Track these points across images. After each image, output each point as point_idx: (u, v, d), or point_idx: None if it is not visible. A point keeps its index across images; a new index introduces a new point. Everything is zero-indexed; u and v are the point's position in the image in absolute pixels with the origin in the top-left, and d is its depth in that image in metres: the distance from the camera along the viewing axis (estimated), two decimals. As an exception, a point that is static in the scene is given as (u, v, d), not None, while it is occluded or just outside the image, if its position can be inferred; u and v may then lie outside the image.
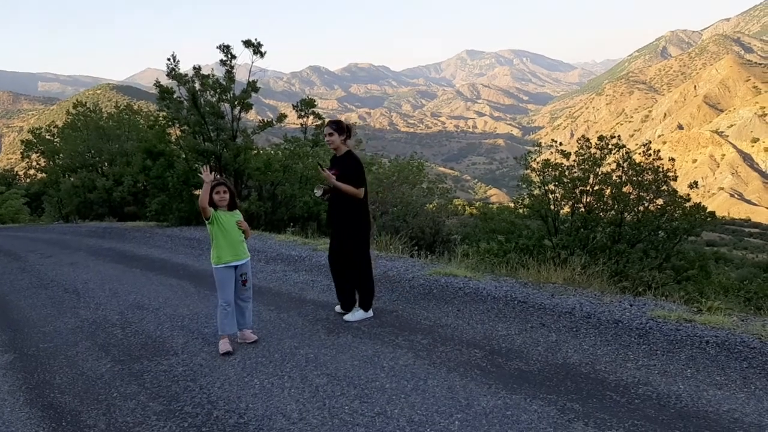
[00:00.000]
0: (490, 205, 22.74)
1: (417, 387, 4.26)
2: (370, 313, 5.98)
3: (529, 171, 15.04)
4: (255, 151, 16.91)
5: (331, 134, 5.74)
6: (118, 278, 9.51)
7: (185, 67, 17.23)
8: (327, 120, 6.20)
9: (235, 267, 5.39)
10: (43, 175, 31.00)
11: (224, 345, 5.35)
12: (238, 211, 5.52)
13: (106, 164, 25.56)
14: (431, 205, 17.39)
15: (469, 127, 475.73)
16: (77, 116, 26.91)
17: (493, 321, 5.67)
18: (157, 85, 17.34)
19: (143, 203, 22.72)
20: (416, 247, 11.36)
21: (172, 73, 16.74)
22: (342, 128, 5.76)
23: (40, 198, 34.78)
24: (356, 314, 5.95)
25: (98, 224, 20.18)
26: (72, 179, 25.75)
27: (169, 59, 16.89)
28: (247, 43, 16.40)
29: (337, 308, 6.27)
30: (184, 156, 17.66)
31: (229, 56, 16.51)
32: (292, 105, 17.68)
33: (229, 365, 5.04)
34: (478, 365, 4.60)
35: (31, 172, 33.73)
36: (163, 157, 16.80)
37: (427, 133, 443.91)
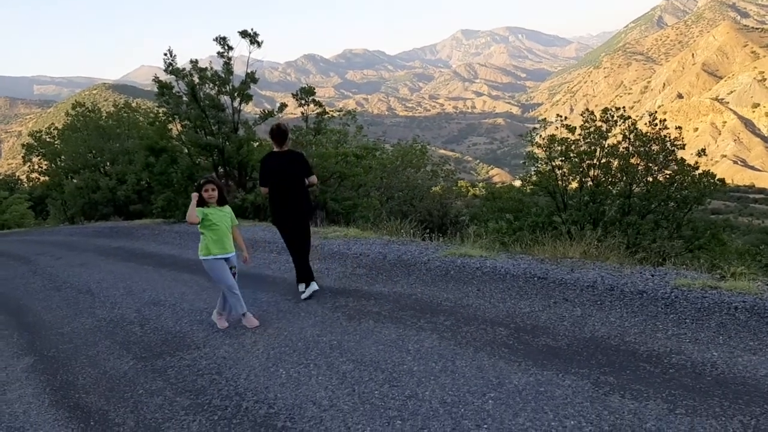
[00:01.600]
0: (495, 185, 22.64)
1: (445, 368, 4.22)
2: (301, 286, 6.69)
3: (534, 147, 14.90)
4: (257, 143, 16.81)
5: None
6: (131, 276, 9.48)
7: (181, 62, 17.07)
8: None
9: (225, 259, 5.72)
10: (46, 178, 30.97)
11: (221, 321, 5.93)
12: (228, 207, 5.84)
13: (108, 164, 25.47)
14: (437, 188, 17.29)
15: (468, 108, 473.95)
16: (76, 117, 26.79)
17: (515, 299, 5.61)
18: (156, 80, 17.22)
19: (148, 201, 22.68)
20: (427, 231, 11.30)
21: (170, 68, 16.61)
22: (270, 136, 6.66)
23: (44, 201, 34.77)
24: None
25: (104, 224, 20.15)
26: (75, 180, 25.69)
27: (165, 54, 16.76)
28: (244, 34, 16.26)
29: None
30: (186, 151, 17.58)
31: (226, 48, 16.37)
32: (292, 94, 17.53)
33: (253, 356, 5.00)
34: (505, 343, 4.55)
35: (34, 175, 33.68)
36: (166, 153, 16.72)
37: (426, 116, 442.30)
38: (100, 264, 11.28)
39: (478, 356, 4.36)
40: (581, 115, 16.62)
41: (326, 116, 17.64)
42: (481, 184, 42.43)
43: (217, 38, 16.28)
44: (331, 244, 9.29)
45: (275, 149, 6.58)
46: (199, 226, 5.60)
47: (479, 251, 7.31)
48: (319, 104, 17.46)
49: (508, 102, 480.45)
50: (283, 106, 17.01)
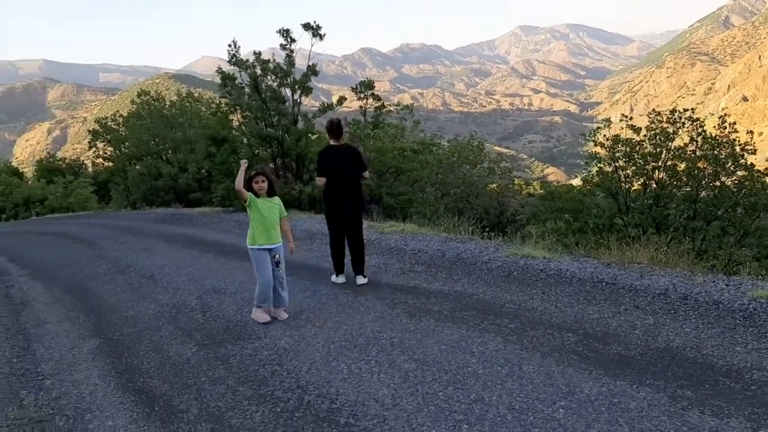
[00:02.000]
0: (552, 184, 22.16)
1: (512, 373, 4.11)
2: (334, 278, 7.14)
3: (597, 147, 14.48)
4: (316, 135, 16.91)
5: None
6: (193, 263, 9.65)
7: (242, 54, 17.29)
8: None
9: (269, 249, 5.80)
10: (110, 163, 31.95)
11: (261, 315, 5.88)
12: (277, 198, 5.93)
13: (170, 152, 26.12)
14: (494, 185, 17.05)
15: (525, 105, 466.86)
16: (141, 105, 27.57)
17: (583, 304, 5.44)
18: (219, 71, 17.51)
19: (208, 189, 23.14)
20: (486, 229, 11.13)
21: (234, 59, 16.85)
22: (327, 129, 6.94)
23: (107, 186, 35.90)
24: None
25: (166, 210, 20.65)
26: (138, 167, 26.44)
27: (230, 45, 17.03)
28: (306, 26, 16.34)
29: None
30: (246, 141, 17.83)
31: (289, 40, 16.48)
32: (351, 87, 17.56)
33: (314, 349, 4.99)
34: (574, 350, 4.40)
35: (99, 160, 34.80)
36: (227, 143, 17.00)
37: (482, 112, 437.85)
38: (163, 250, 11.55)
39: (545, 362, 4.23)
40: (647, 115, 16.08)
41: (384, 110, 17.60)
42: (535, 183, 41.69)
43: (280, 30, 16.43)
44: (388, 239, 9.24)
45: (332, 143, 6.81)
46: (247, 210, 5.77)
47: (542, 252, 7.13)
48: (377, 98, 17.43)
49: (566, 100, 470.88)
50: (342, 99, 17.05)
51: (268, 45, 16.80)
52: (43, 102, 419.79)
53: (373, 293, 6.44)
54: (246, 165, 5.72)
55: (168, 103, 28.27)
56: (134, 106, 28.47)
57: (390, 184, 16.89)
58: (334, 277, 7.13)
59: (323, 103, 17.04)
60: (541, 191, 19.13)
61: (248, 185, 5.69)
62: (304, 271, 7.99)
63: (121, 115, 30.47)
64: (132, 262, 10.62)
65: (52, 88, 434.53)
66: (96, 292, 8.58)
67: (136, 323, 6.59)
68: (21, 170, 56.00)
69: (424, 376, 4.19)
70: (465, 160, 21.91)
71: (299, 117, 17.04)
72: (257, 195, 5.72)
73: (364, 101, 17.37)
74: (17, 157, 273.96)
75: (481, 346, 4.62)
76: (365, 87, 17.00)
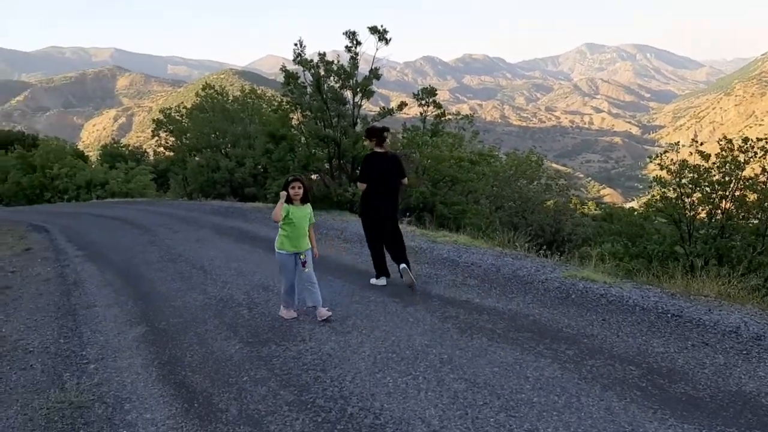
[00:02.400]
0: (611, 206, 21.46)
1: (569, 404, 3.84)
2: (374, 280, 7.22)
3: (662, 171, 13.92)
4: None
5: (364, 140, 7.37)
6: (243, 257, 9.64)
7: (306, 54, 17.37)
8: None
9: (295, 254, 5.99)
10: (171, 153, 32.65)
11: (288, 313, 6.11)
12: (309, 206, 6.08)
13: (229, 146, 26.50)
14: (551, 202, 16.62)
15: (585, 123, 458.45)
16: (205, 98, 28.09)
17: (646, 335, 5.11)
18: (283, 69, 17.61)
19: (262, 185, 23.35)
20: (543, 246, 10.80)
21: (298, 58, 16.92)
22: (369, 135, 7.13)
23: (166, 175, 36.74)
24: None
25: (220, 203, 20.91)
26: (197, 159, 26.91)
27: (296, 44, 17.09)
28: (373, 30, 16.27)
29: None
30: (304, 141, 17.88)
31: (355, 42, 16.45)
32: (413, 93, 17.42)
33: (359, 358, 4.83)
34: (637, 385, 4.11)
35: (160, 149, 35.63)
36: (285, 141, 17.07)
37: (540, 128, 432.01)
38: (215, 241, 11.61)
39: (606, 395, 3.95)
40: (717, 142, 15.41)
41: (444, 118, 17.39)
42: (590, 203, 40.74)
43: (346, 32, 16.42)
44: (440, 249, 9.02)
45: (377, 149, 7.01)
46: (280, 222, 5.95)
47: (602, 276, 6.79)
48: (438, 106, 17.23)
49: (628, 121, 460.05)
50: (403, 104, 16.91)
51: (331, 47, 16.89)
52: (112, 89, 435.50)
53: (423, 304, 6.23)
54: (285, 196, 5.91)
55: (231, 97, 28.71)
56: (198, 99, 29.02)
57: (444, 193, 16.66)
58: (374, 280, 7.23)
59: (383, 108, 16.95)
60: (599, 212, 18.57)
61: (284, 190, 5.95)
62: (354, 275, 7.85)
63: (185, 107, 31.13)
64: (184, 251, 10.70)
65: (121, 77, 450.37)
66: (147, 279, 8.64)
67: (183, 314, 6.56)
68: (86, 154, 57.97)
69: (475, 399, 3.97)
70: (522, 174, 21.52)
71: (358, 120, 16.99)
72: (292, 201, 5.90)
73: (425, 108, 17.20)
74: (84, 141, 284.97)
75: (537, 372, 4.37)
76: (427, 94, 16.83)
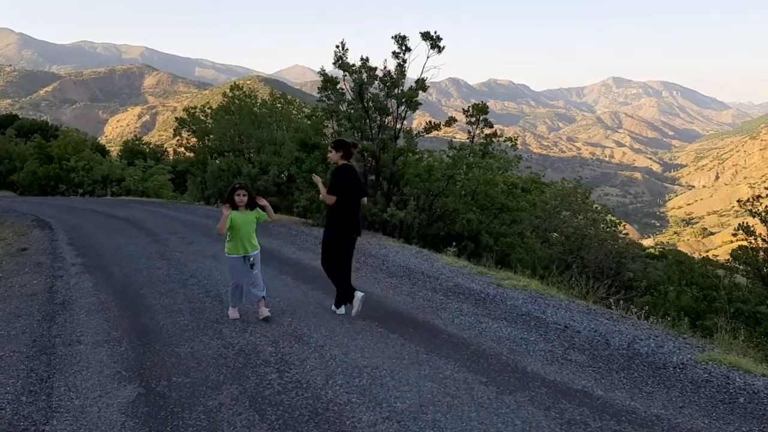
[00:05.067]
0: (677, 250, 19.51)
1: None
2: (337, 309, 6.63)
3: (756, 219, 12.13)
4: (417, 156, 15.14)
5: (330, 151, 6.66)
6: (267, 286, 7.95)
7: (328, 66, 15.86)
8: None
9: (244, 257, 6.36)
10: (191, 154, 31.23)
11: (233, 313, 6.51)
12: (254, 211, 6.43)
13: (253, 151, 24.98)
14: (613, 241, 14.82)
15: (606, 157, 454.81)
16: (232, 99, 26.63)
17: None
18: (321, 73, 16.04)
19: (285, 195, 21.78)
20: (622, 295, 9.05)
21: (339, 61, 15.35)
22: (338, 146, 6.53)
23: (184, 176, 35.31)
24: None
25: (239, 212, 19.34)
26: (218, 162, 25.41)
27: (337, 47, 15.53)
28: (425, 36, 14.67)
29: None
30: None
31: (404, 48, 14.86)
32: (462, 110, 15.77)
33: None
34: None
35: (180, 149, 34.23)
36: (318, 150, 15.47)
37: (561, 157, 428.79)
38: (233, 261, 9.93)
39: None
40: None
41: (496, 139, 15.69)
42: (653, 248, 38.73)
43: (395, 36, 14.81)
44: (512, 298, 7.28)
45: (346, 162, 6.50)
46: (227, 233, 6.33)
47: (758, 367, 4.99)
48: (489, 124, 15.56)
49: (650, 157, 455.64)
50: (452, 119, 15.26)
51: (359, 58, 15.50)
52: (139, 87, 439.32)
53: (523, 391, 4.47)
54: (229, 212, 6.21)
55: (259, 101, 27.25)
56: (225, 100, 27.58)
57: (489, 222, 14.94)
58: (337, 308, 6.64)
59: (429, 122, 15.28)
60: (654, 251, 16.72)
61: (230, 198, 6.31)
62: (414, 329, 6.12)
63: (210, 107, 29.71)
64: (197, 270, 9.06)
65: (149, 75, 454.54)
66: (149, 307, 6.98)
67: (190, 370, 4.89)
68: (107, 148, 56.95)
69: None
70: (568, 206, 19.77)
71: (401, 133, 15.34)
72: (236, 207, 6.28)
73: (475, 126, 15.53)
74: (107, 135, 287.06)
75: None
76: (478, 111, 15.17)
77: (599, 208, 21.11)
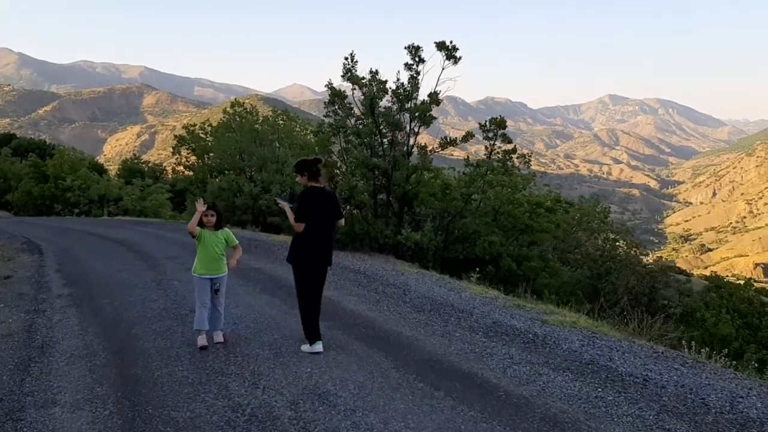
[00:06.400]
0: (719, 277, 18.48)
1: None
2: (308, 347, 5.94)
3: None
4: (431, 174, 14.17)
5: (295, 175, 6.20)
6: (278, 326, 6.91)
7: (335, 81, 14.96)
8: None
9: (211, 279, 6.17)
10: (190, 172, 30.30)
11: (201, 340, 6.10)
12: (225, 230, 6.32)
13: (254, 169, 24.02)
14: (648, 261, 13.80)
15: (604, 174, 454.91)
16: (233, 116, 25.72)
17: None
18: (329, 86, 15.14)
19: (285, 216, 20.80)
20: (669, 328, 8.05)
21: (348, 74, 14.47)
22: (301, 168, 6.02)
23: (183, 195, 34.35)
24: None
25: (242, 233, 18.28)
26: (218, 180, 24.44)
27: (346, 59, 14.67)
28: (440, 46, 13.78)
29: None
30: (345, 169, 15.30)
31: (417, 59, 13.98)
32: (479, 124, 14.81)
33: None
34: None
35: (179, 168, 33.28)
36: (326, 168, 14.50)
37: (558, 174, 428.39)
38: (237, 291, 8.87)
39: None
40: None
41: (515, 155, 14.71)
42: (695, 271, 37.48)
43: (408, 47, 13.93)
44: (568, 341, 6.23)
45: (312, 184, 5.97)
46: (196, 243, 6.17)
47: None
48: (508, 140, 14.61)
49: (647, 174, 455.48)
50: (470, 135, 14.33)
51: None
52: (138, 106, 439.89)
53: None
54: (204, 207, 6.06)
55: (260, 118, 26.35)
56: (225, 116, 26.67)
57: (509, 243, 13.94)
58: (308, 347, 5.94)
59: (444, 138, 14.35)
60: (706, 280, 15.70)
61: (204, 208, 6.08)
62: (454, 381, 5.09)
63: (210, 125, 28.82)
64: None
65: (148, 94, 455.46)
66: (142, 351, 5.95)
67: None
68: (106, 167, 56.05)
69: None
70: (586, 226, 18.79)
71: (414, 149, 14.40)
72: (204, 227, 6.13)
73: (492, 142, 14.57)
74: (105, 155, 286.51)
75: None
76: (496, 125, 14.22)
77: (619, 228, 20.11)
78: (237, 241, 6.39)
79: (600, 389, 4.86)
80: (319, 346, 5.89)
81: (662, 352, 5.99)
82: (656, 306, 12.61)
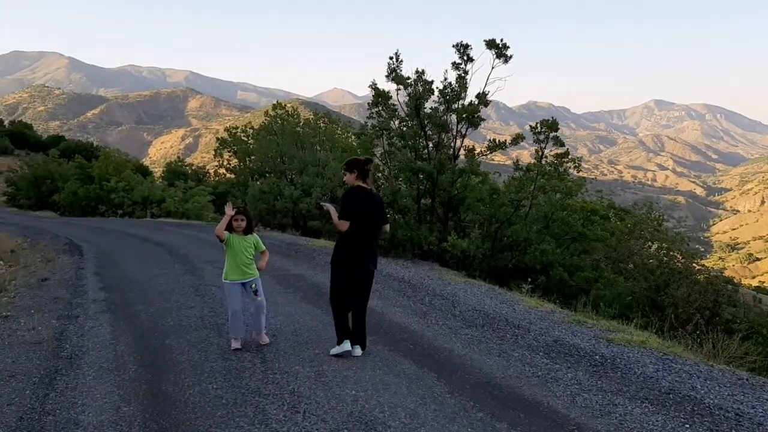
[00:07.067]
0: None
1: None
2: (339, 349, 5.73)
3: None
4: (479, 178, 13.57)
5: (344, 173, 5.94)
6: (320, 339, 6.42)
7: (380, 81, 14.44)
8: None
9: (243, 283, 6.13)
10: (232, 175, 30.24)
11: (235, 343, 6.04)
12: (254, 235, 6.28)
13: (295, 172, 23.74)
14: (704, 276, 12.95)
15: (648, 180, 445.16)
16: (275, 119, 25.51)
17: None
18: (372, 87, 14.67)
19: (329, 219, 20.43)
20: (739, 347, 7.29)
21: (393, 74, 13.98)
22: (351, 166, 5.82)
23: (225, 197, 34.36)
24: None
25: (281, 237, 17.95)
26: (259, 183, 24.23)
27: (391, 58, 14.19)
28: (491, 44, 13.18)
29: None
30: (388, 172, 14.81)
31: (466, 58, 13.41)
32: (530, 126, 14.16)
33: None
34: None
35: (221, 171, 33.32)
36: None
37: (602, 180, 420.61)
38: (277, 299, 8.45)
39: None
40: None
41: (567, 159, 14.00)
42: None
43: (457, 45, 13.37)
44: (641, 365, 5.56)
45: (360, 184, 5.76)
46: (224, 248, 6.09)
47: None
48: (560, 143, 13.92)
49: (693, 181, 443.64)
50: (520, 137, 13.67)
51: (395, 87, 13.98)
52: (182, 109, 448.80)
53: None
54: (233, 212, 6.00)
55: (302, 121, 26.08)
56: (267, 119, 26.49)
57: (561, 252, 13.23)
58: (338, 349, 5.73)
59: (493, 140, 13.73)
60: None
61: (233, 212, 6.01)
62: (518, 411, 4.51)
63: (252, 128, 28.70)
64: (235, 313, 7.59)
65: (193, 98, 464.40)
66: (175, 365, 5.54)
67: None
68: (151, 170, 56.76)
69: None
70: (639, 234, 17.90)
71: (461, 152, 13.81)
72: (234, 231, 6.05)
73: (543, 144, 13.90)
74: (150, 157, 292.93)
75: None
76: (549, 127, 13.55)
77: (674, 236, 19.13)
78: (264, 247, 6.35)
79: (688, 425, 4.22)
80: (347, 345, 5.69)
81: (747, 379, 5.31)
82: (718, 321, 11.76)
